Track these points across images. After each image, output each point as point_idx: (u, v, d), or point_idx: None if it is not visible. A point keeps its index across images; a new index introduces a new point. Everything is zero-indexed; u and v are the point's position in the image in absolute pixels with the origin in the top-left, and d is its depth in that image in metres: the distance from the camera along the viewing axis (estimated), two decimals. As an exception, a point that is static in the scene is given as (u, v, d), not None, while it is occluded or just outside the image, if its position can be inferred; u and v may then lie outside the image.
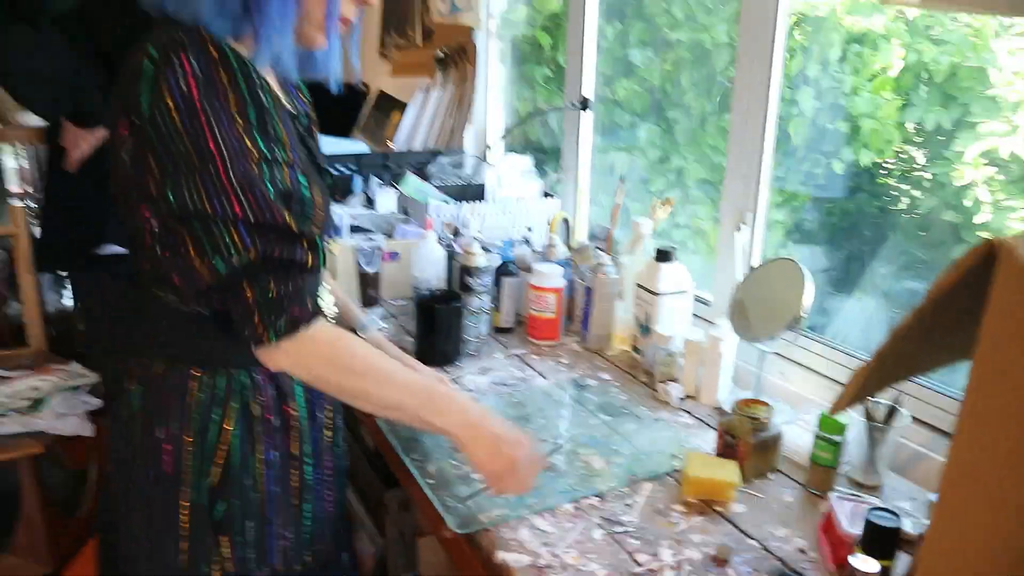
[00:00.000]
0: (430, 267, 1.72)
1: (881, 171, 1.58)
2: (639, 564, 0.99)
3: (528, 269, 1.76)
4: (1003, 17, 1.27)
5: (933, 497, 0.96)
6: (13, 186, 2.97)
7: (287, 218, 0.92)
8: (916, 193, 1.53)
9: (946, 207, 1.44)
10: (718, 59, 1.96)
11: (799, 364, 1.48)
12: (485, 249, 1.72)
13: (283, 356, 0.96)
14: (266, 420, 1.06)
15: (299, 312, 0.95)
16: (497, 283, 1.73)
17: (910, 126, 1.51)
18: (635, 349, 1.60)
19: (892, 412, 1.17)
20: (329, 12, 0.96)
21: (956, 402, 1.01)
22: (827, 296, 1.64)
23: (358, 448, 2.11)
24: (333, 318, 1.19)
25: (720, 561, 1.00)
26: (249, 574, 1.08)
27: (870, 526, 0.90)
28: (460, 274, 1.65)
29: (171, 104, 0.87)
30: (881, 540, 0.90)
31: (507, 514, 1.09)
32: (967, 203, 1.38)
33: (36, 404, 2.16)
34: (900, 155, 1.55)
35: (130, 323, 1.08)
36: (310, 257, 0.96)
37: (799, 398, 1.43)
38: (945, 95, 1.41)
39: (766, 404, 1.22)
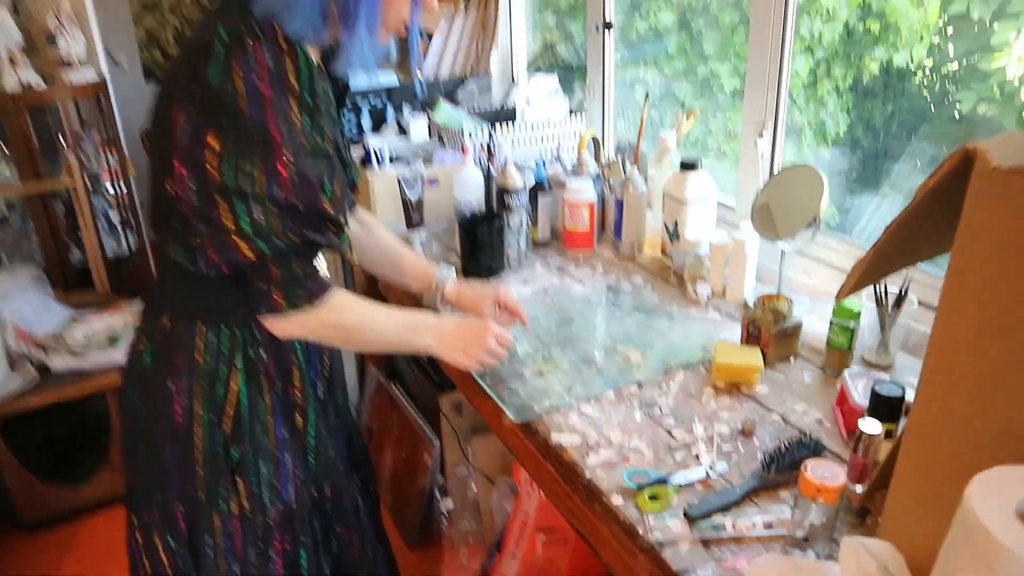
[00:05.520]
0: (469, 190, 1.83)
1: (915, 68, 1.60)
2: (675, 439, 1.14)
3: (561, 186, 1.87)
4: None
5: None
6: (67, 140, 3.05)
7: (326, 206, 1.02)
8: (951, 87, 1.54)
9: (985, 101, 1.45)
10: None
11: (819, 261, 1.60)
12: (520, 170, 1.83)
13: (292, 324, 1.07)
14: (268, 371, 1.14)
15: (313, 286, 1.06)
16: (533, 201, 1.85)
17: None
18: (665, 254, 1.72)
19: (901, 298, 1.28)
20: (410, 25, 1.06)
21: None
22: (853, 195, 1.71)
23: (409, 359, 2.27)
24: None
25: (746, 433, 1.14)
26: (265, 508, 1.17)
27: (875, 395, 1.03)
28: (498, 195, 1.77)
29: (241, 89, 0.93)
30: (886, 407, 1.03)
31: (557, 403, 1.23)
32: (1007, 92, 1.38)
33: (113, 340, 2.36)
34: (936, 49, 1.56)
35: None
36: (336, 239, 1.07)
37: (819, 292, 1.54)
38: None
39: (787, 298, 1.34)
